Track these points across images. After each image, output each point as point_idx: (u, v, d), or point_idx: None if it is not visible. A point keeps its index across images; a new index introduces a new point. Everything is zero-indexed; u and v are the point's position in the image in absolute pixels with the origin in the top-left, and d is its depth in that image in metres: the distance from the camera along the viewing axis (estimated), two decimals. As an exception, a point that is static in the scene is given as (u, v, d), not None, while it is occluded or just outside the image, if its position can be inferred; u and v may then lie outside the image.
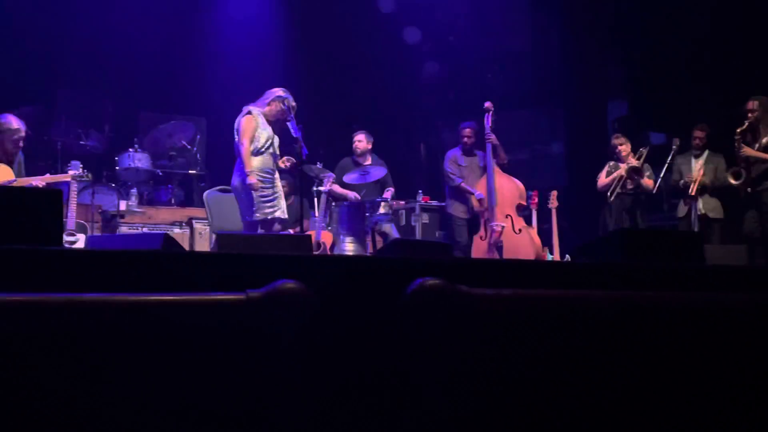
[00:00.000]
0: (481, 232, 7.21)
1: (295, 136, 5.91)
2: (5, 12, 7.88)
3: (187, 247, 7.01)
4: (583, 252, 3.25)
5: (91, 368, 1.19)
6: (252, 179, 5.71)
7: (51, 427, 1.18)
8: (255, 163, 5.79)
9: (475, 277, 1.59)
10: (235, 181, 5.90)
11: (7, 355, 1.12)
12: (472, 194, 7.27)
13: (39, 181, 5.78)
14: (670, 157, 7.37)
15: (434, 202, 8.13)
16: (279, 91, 6.04)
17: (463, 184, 7.40)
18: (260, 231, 5.82)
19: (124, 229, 7.03)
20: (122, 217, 7.17)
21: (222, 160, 8.49)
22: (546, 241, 7.24)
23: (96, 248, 3.60)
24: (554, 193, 7.40)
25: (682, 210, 7.30)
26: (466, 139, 7.56)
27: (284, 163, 6.06)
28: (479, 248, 7.19)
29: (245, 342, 1.27)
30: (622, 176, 7.22)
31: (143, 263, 1.41)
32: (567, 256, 6.96)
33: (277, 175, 5.97)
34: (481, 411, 1.29)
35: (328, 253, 6.76)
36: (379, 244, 7.22)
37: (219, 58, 9.05)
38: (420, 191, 8.23)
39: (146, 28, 8.46)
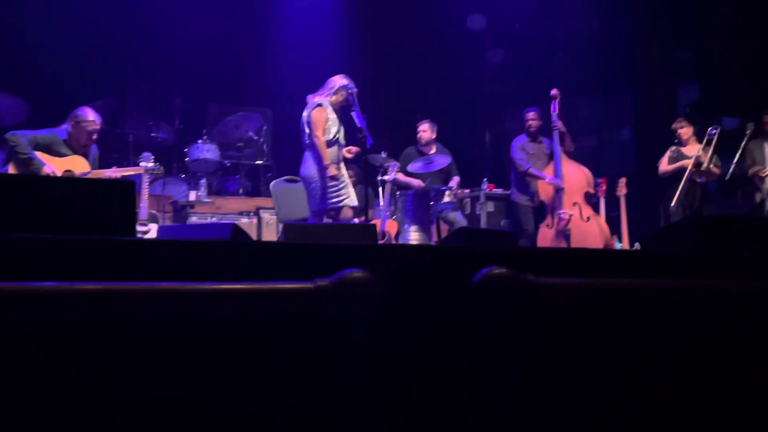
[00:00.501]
0: (548, 220, 7.13)
1: (359, 125, 5.94)
2: (80, 11, 8.12)
3: (254, 236, 7.12)
4: (653, 240, 3.18)
5: (164, 356, 1.22)
6: (333, 171, 5.79)
7: (134, 411, 1.21)
8: (328, 153, 5.86)
9: (542, 266, 1.57)
10: (306, 171, 5.96)
11: (84, 343, 1.15)
12: (542, 179, 7.15)
13: (113, 173, 5.94)
14: (743, 143, 7.14)
15: (499, 190, 8.05)
16: (342, 80, 6.07)
17: (531, 170, 7.30)
18: (327, 220, 5.90)
19: (194, 219, 7.18)
20: (192, 207, 7.31)
21: (288, 150, 8.59)
22: (615, 229, 7.11)
23: (168, 238, 3.68)
24: (623, 180, 7.24)
25: (758, 197, 7.08)
26: (531, 123, 7.47)
27: (348, 153, 6.13)
28: (546, 237, 7.10)
29: (313, 331, 1.28)
30: (687, 168, 7.01)
31: (213, 253, 1.43)
32: (636, 244, 6.82)
33: (342, 164, 6.03)
34: (548, 402, 1.28)
35: (393, 242, 6.78)
36: (444, 233, 7.20)
37: (284, 48, 9.14)
38: (485, 179, 8.17)
39: (213, 21, 8.60)
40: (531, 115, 7.48)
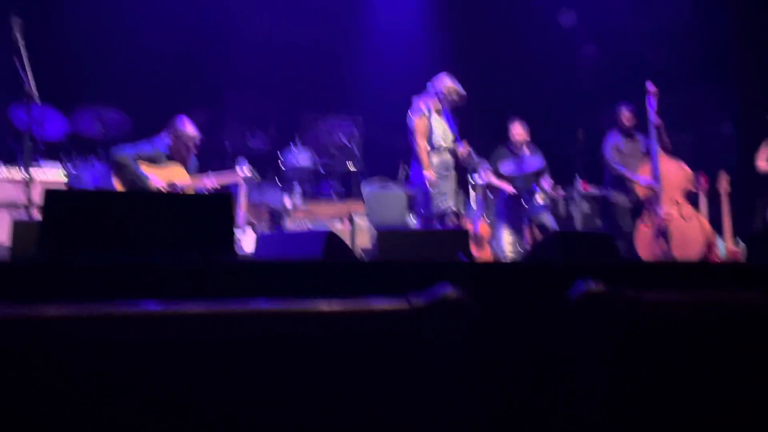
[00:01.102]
0: (646, 219, 6.95)
1: (449, 128, 5.95)
2: (177, 24, 8.41)
3: (348, 241, 7.20)
4: (758, 241, 3.06)
5: (264, 374, 1.25)
6: (431, 176, 5.89)
7: (236, 425, 1.25)
8: (434, 159, 5.95)
9: (642, 279, 1.53)
10: (413, 176, 6.12)
11: (187, 364, 1.19)
12: (636, 182, 7.01)
13: (211, 181, 6.13)
14: None
15: (594, 190, 7.90)
16: (442, 84, 6.10)
17: (625, 172, 7.14)
18: (435, 224, 6.00)
19: (289, 225, 7.32)
20: (287, 213, 7.47)
21: (379, 155, 8.66)
22: (717, 227, 6.86)
23: (263, 258, 3.77)
24: (724, 175, 6.98)
25: None
26: (625, 122, 7.29)
27: (461, 153, 6.15)
28: (644, 237, 6.93)
29: (407, 349, 1.29)
30: None
31: (306, 271, 1.45)
32: (741, 243, 6.56)
33: (453, 170, 6.03)
34: (648, 423, 1.25)
35: (486, 245, 6.74)
36: (537, 235, 7.10)
37: (373, 53, 9.22)
38: (579, 178, 8.02)
39: (304, 30, 8.75)
40: (625, 111, 7.29)
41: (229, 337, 1.21)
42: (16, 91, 4.98)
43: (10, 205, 6.07)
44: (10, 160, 6.58)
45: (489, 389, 1.38)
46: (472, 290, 1.29)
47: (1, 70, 5.55)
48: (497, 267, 1.65)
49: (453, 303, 1.25)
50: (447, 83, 6.10)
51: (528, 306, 1.44)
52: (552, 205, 7.35)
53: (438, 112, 6.08)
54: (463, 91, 6.10)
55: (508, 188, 7.18)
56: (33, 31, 4.97)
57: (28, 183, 4.78)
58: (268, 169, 8.13)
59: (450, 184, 5.97)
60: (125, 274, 1.32)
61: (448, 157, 6.01)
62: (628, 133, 7.30)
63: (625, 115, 7.29)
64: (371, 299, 1.26)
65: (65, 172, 6.46)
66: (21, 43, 4.71)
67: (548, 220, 7.09)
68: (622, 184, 7.22)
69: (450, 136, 5.96)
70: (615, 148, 7.31)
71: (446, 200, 5.99)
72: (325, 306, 1.23)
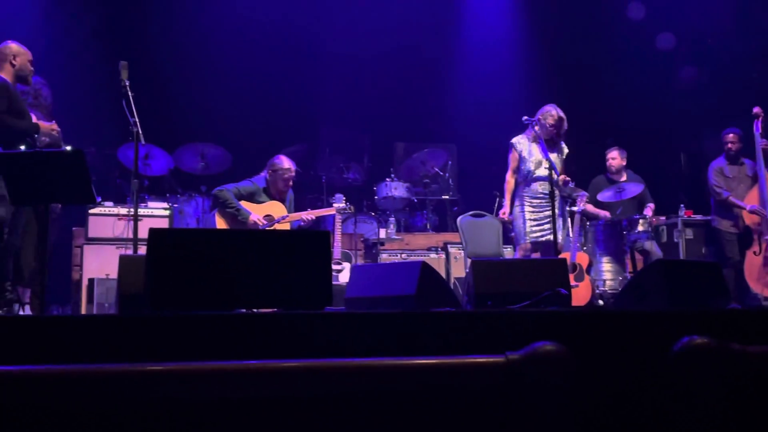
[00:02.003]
0: (755, 246, 6.67)
1: (544, 158, 5.89)
2: (274, 63, 8.65)
3: (442, 272, 7.18)
4: None
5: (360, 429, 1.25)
6: (503, 212, 6.05)
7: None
8: (527, 189, 5.95)
9: (751, 329, 1.46)
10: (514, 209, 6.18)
11: (283, 418, 1.21)
12: (743, 208, 6.74)
13: (308, 215, 6.24)
14: None
15: (698, 216, 7.63)
16: (539, 112, 6.08)
17: (731, 198, 6.88)
18: (535, 255, 5.97)
19: (384, 257, 7.36)
20: (382, 244, 7.52)
21: (473, 184, 8.62)
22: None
23: (352, 311, 3.80)
24: (841, 200, 6.64)
25: None
26: (730, 146, 7.03)
27: (559, 181, 6.08)
28: (753, 265, 6.64)
29: (504, 404, 1.27)
30: None
31: (399, 324, 1.46)
32: None
33: (556, 197, 5.95)
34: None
35: (585, 274, 6.59)
36: (639, 263, 6.90)
37: (466, 84, 9.23)
38: (682, 205, 7.77)
39: (395, 62, 8.85)
40: (731, 137, 7.03)
41: (326, 392, 1.22)
42: (125, 134, 5.21)
43: (118, 241, 6.34)
44: (120, 199, 6.90)
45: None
46: (571, 341, 1.27)
47: (111, 115, 5.84)
48: (596, 316, 1.61)
49: (549, 357, 1.23)
50: (544, 109, 6.09)
51: (629, 358, 1.39)
52: (654, 233, 7.13)
53: (534, 140, 6.05)
54: (558, 114, 6.03)
55: (605, 214, 7.02)
56: (138, 73, 5.21)
57: (134, 219, 4.98)
58: (363, 200, 8.22)
59: (546, 213, 5.91)
60: (223, 325, 1.36)
61: (542, 185, 5.95)
62: (733, 158, 7.04)
63: (731, 140, 7.03)
64: (468, 354, 1.26)
65: (168, 206, 6.71)
66: (127, 84, 4.92)
67: (652, 246, 6.88)
68: (728, 210, 6.95)
69: (545, 164, 5.89)
70: (719, 172, 7.05)
71: (543, 229, 5.95)
72: (421, 360, 1.23)
